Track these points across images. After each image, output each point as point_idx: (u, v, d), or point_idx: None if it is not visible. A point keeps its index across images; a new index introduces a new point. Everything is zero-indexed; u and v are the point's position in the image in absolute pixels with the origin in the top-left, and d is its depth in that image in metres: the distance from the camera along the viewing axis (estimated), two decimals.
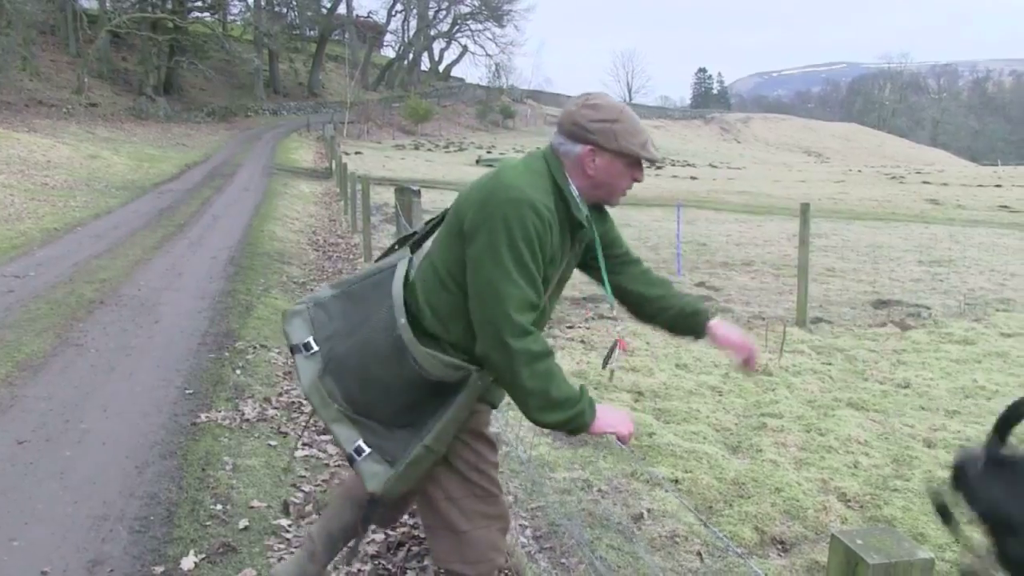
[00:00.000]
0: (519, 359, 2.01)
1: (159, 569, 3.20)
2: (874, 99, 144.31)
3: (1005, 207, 26.33)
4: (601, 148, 2.14)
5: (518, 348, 2.00)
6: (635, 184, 2.25)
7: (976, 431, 5.24)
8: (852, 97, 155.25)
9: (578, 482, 4.26)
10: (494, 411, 2.48)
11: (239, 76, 59.62)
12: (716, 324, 2.49)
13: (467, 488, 2.31)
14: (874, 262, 13.63)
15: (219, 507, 3.77)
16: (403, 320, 2.11)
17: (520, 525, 3.74)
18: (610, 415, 2.15)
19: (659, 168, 46.78)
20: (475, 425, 2.32)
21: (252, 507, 3.79)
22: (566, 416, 2.07)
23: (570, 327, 8.11)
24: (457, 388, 2.13)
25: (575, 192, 2.18)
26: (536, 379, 2.03)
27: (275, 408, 5.22)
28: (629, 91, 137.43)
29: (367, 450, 2.15)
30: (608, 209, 2.42)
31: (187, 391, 5.45)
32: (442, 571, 2.42)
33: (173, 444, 4.53)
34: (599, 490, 4.19)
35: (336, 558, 2.77)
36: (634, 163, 2.19)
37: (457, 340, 2.13)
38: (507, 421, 4.68)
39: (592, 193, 2.23)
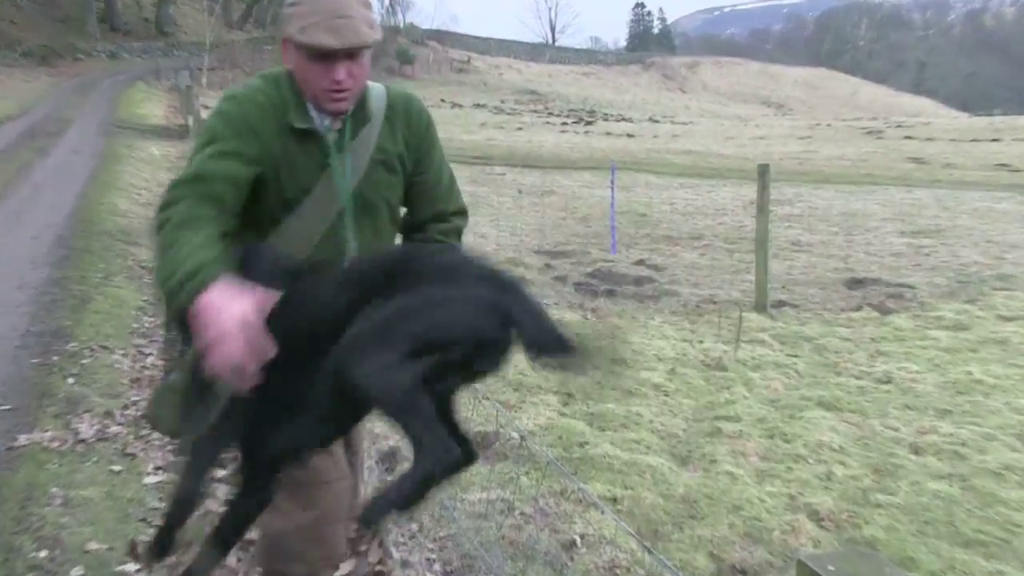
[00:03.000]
0: (153, 228, 2.18)
1: None
2: (846, 38, 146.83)
3: (1003, 166, 26.41)
4: (286, 38, 2.37)
5: (155, 217, 2.19)
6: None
7: (972, 433, 5.43)
8: (820, 36, 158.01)
9: (496, 504, 4.26)
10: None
11: (63, 7, 57.57)
12: None
13: None
14: (847, 233, 14.04)
15: (44, 553, 3.63)
16: None
17: (427, 559, 3.72)
18: (218, 310, 1.89)
19: (588, 123, 47.21)
20: None
21: (89, 551, 3.67)
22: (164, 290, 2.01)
23: None
24: None
25: (299, 92, 2.40)
26: (156, 249, 2.12)
27: (119, 424, 5.07)
28: (552, 31, 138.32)
29: None
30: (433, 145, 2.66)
31: (2, 406, 5.24)
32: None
33: None
34: (522, 513, 4.20)
35: None
36: (316, 54, 2.31)
37: None
38: None
39: (308, 95, 2.40)
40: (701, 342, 7.48)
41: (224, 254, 2.06)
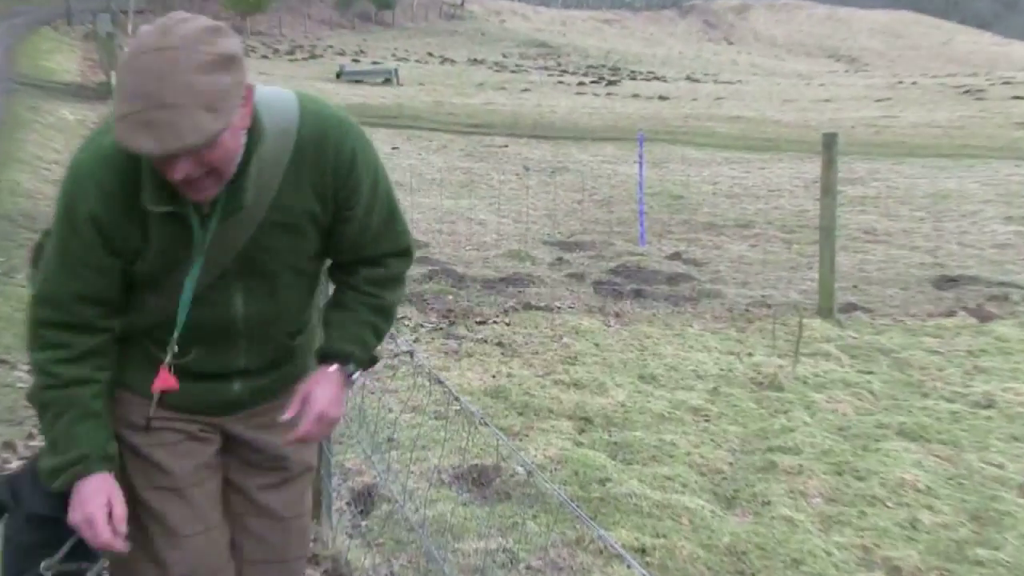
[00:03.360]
0: (34, 377, 2.54)
1: None
2: None
3: None
4: None
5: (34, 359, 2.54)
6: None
7: None
8: None
9: (497, 556, 4.27)
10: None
11: None
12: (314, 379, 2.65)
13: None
14: (936, 219, 14.03)
15: None
16: None
17: None
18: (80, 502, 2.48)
19: (610, 83, 47.18)
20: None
21: None
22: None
23: (481, 323, 8.12)
24: None
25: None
26: (39, 405, 2.54)
27: (23, 459, 5.08)
28: None
29: None
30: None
31: None
32: None
33: None
34: (529, 567, 4.20)
35: None
36: None
37: None
38: (388, 465, 4.66)
39: None
40: (751, 355, 7.49)
41: (102, 429, 2.50)
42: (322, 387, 2.56)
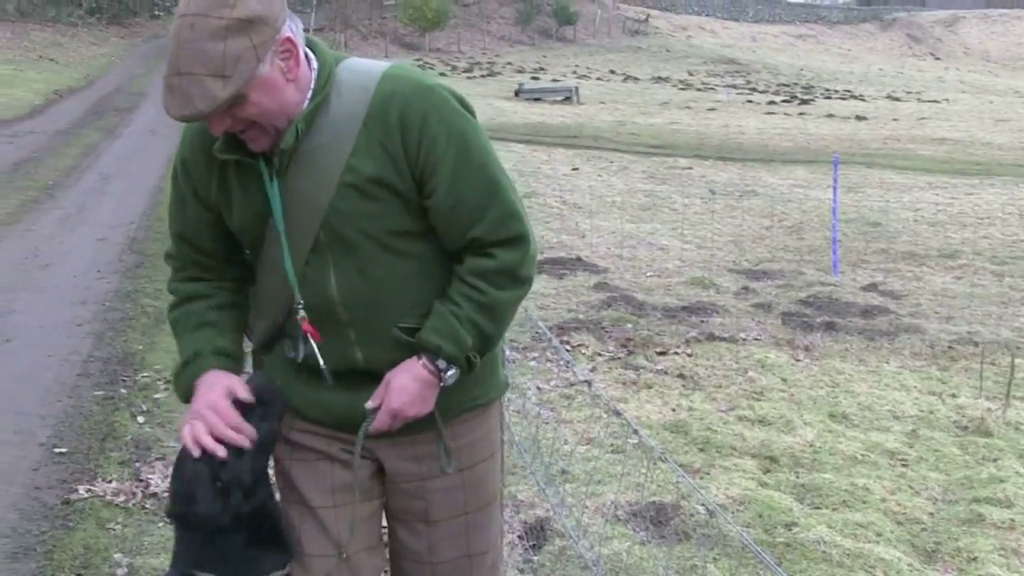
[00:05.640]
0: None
1: None
2: None
3: None
4: None
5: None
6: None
7: None
8: None
9: None
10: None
11: None
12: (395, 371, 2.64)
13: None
14: None
15: None
16: None
17: None
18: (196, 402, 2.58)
19: (803, 102, 46.53)
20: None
21: None
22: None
23: (662, 353, 8.10)
24: None
25: None
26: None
27: None
28: None
29: None
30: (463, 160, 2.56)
31: (57, 450, 5.52)
32: None
33: (31, 535, 4.58)
34: None
35: None
36: None
37: None
38: (562, 499, 4.69)
39: None
40: (954, 396, 7.30)
41: (216, 332, 2.67)
42: (401, 380, 2.56)
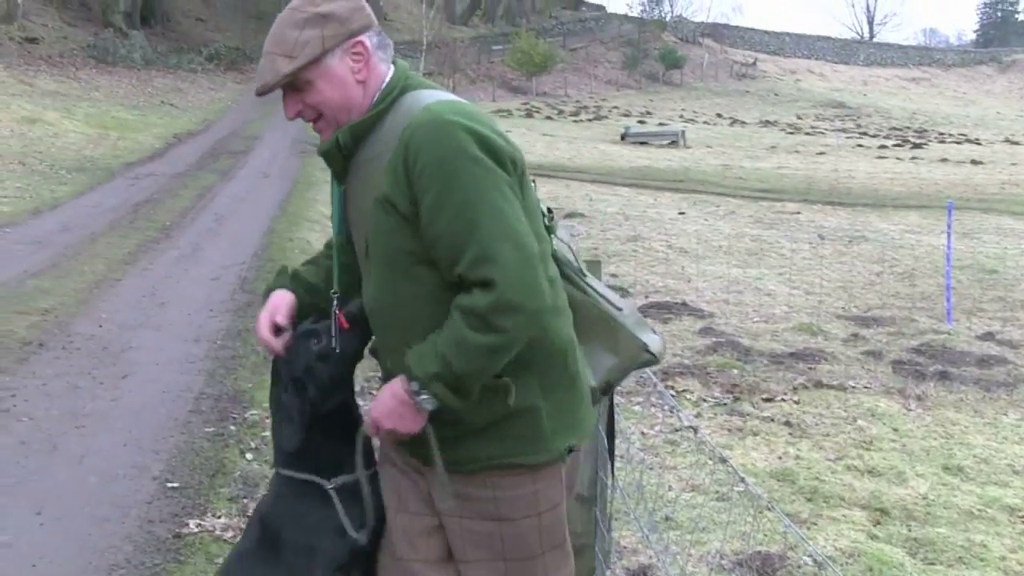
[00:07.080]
0: None
1: None
2: None
3: None
4: None
5: None
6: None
7: None
8: None
9: None
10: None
11: (258, 2, 61.56)
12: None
13: None
14: None
15: None
16: None
17: None
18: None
19: (916, 146, 45.93)
20: None
21: None
22: None
23: (768, 399, 8.01)
24: None
25: None
26: None
27: None
28: (870, 24, 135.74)
29: None
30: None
31: (169, 484, 5.63)
32: None
33: (145, 568, 4.65)
34: None
35: None
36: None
37: None
38: (666, 546, 4.65)
39: None
40: None
41: (312, 269, 3.20)
42: (383, 393, 2.70)
